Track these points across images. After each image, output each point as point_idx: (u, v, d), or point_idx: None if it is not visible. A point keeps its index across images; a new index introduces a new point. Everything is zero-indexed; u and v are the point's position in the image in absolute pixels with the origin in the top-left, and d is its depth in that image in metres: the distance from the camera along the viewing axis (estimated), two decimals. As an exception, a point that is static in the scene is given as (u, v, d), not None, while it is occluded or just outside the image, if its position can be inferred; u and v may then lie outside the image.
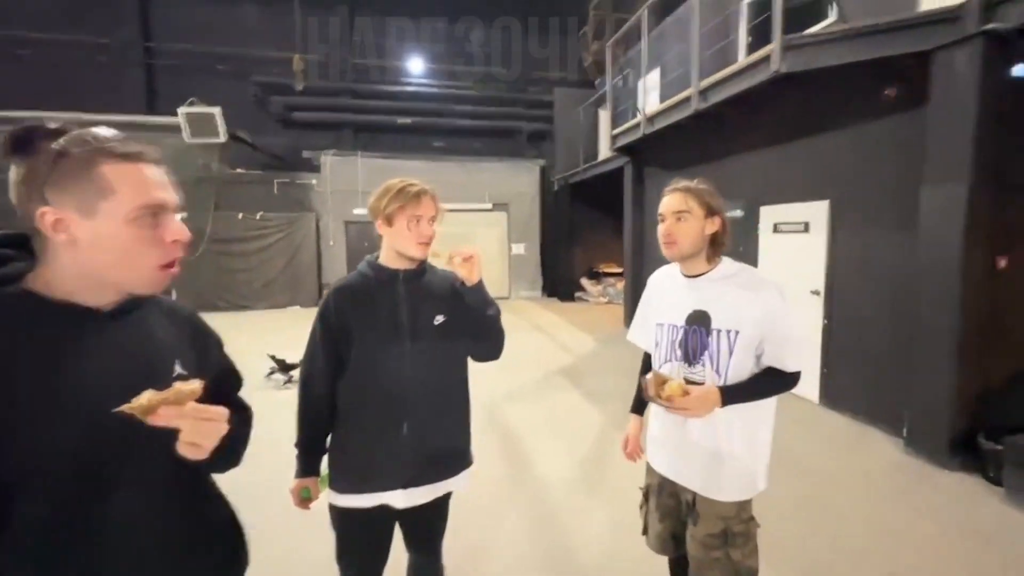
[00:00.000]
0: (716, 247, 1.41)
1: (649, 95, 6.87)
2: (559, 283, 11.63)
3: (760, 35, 5.42)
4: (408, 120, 12.56)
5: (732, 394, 1.31)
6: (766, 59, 3.95)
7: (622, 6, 10.27)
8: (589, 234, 11.73)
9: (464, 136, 12.82)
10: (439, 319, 1.43)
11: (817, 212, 4.43)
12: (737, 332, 1.34)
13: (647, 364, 1.65)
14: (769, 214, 5.01)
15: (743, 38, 5.82)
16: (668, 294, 1.52)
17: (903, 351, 3.63)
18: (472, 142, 12.61)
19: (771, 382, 1.37)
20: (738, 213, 5.33)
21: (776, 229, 4.94)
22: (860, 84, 3.87)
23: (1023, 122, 3.16)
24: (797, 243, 4.69)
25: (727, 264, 1.43)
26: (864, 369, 4.08)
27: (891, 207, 3.80)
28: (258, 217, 9.55)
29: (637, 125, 6.46)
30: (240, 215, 9.48)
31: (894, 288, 3.77)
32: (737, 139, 5.40)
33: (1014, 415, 3.15)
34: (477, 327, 1.46)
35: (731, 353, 1.34)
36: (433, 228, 1.41)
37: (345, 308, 1.39)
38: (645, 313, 1.62)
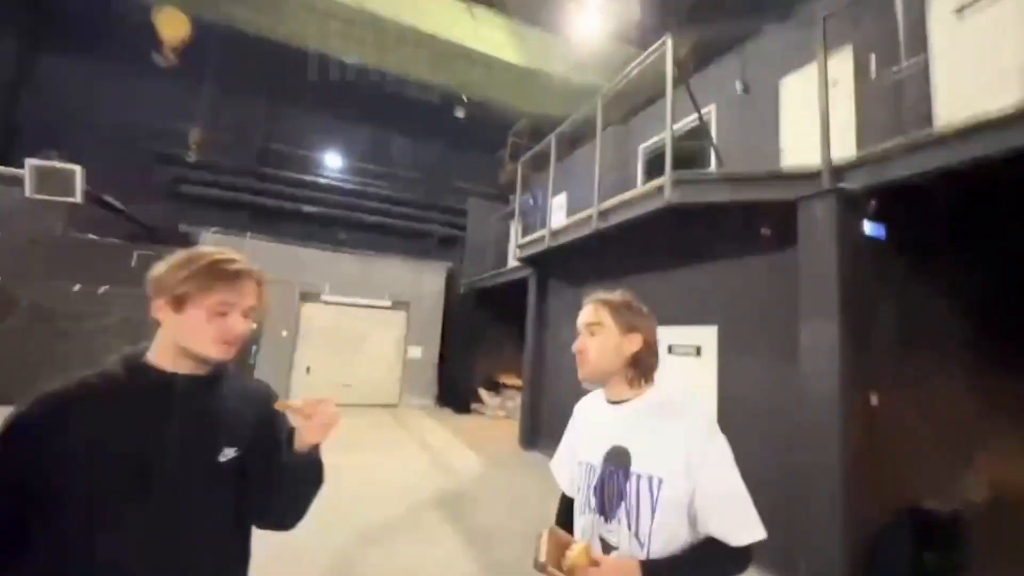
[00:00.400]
0: (640, 369, 1.15)
1: (556, 213, 7.18)
2: (455, 392, 10.86)
3: (656, 171, 5.99)
4: (314, 209, 12.12)
5: (656, 573, 0.93)
6: (660, 189, 4.19)
7: (537, 134, 11.36)
8: (492, 343, 11.40)
9: (372, 231, 12.57)
10: (228, 454, 0.91)
11: (707, 337, 4.48)
12: (660, 480, 0.99)
13: (565, 511, 1.22)
14: (664, 334, 5.02)
15: (640, 172, 6.44)
16: (590, 424, 1.19)
17: (794, 492, 3.45)
18: (380, 238, 12.35)
19: (712, 561, 0.98)
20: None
21: (671, 351, 4.93)
22: (743, 220, 4.19)
23: (880, 268, 3.47)
24: (691, 366, 4.66)
25: (656, 390, 1.14)
26: (757, 508, 3.83)
27: (773, 339, 3.90)
28: (100, 292, 7.96)
29: (542, 238, 6.59)
30: (77, 286, 7.84)
31: (779, 422, 3.71)
32: (635, 260, 5.60)
33: (904, 562, 3.00)
34: (280, 494, 0.95)
35: (653, 509, 0.98)
36: (248, 324, 0.92)
37: (50, 437, 0.81)
38: (569, 444, 1.26)
